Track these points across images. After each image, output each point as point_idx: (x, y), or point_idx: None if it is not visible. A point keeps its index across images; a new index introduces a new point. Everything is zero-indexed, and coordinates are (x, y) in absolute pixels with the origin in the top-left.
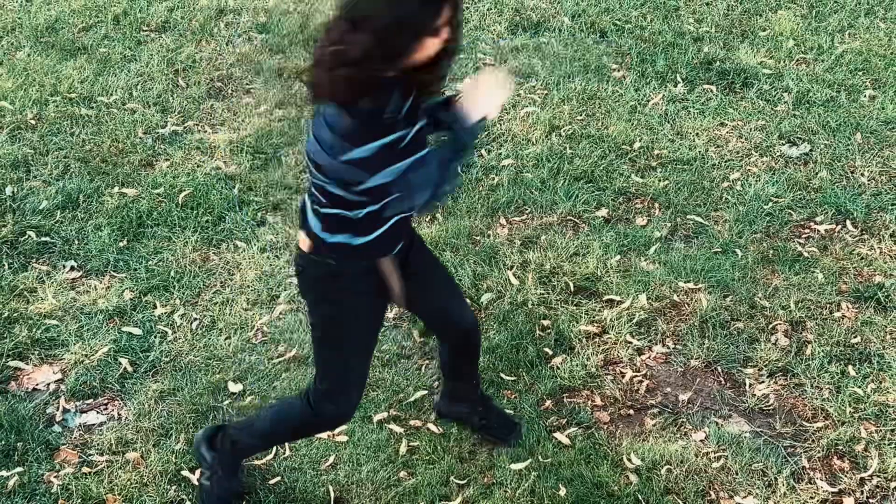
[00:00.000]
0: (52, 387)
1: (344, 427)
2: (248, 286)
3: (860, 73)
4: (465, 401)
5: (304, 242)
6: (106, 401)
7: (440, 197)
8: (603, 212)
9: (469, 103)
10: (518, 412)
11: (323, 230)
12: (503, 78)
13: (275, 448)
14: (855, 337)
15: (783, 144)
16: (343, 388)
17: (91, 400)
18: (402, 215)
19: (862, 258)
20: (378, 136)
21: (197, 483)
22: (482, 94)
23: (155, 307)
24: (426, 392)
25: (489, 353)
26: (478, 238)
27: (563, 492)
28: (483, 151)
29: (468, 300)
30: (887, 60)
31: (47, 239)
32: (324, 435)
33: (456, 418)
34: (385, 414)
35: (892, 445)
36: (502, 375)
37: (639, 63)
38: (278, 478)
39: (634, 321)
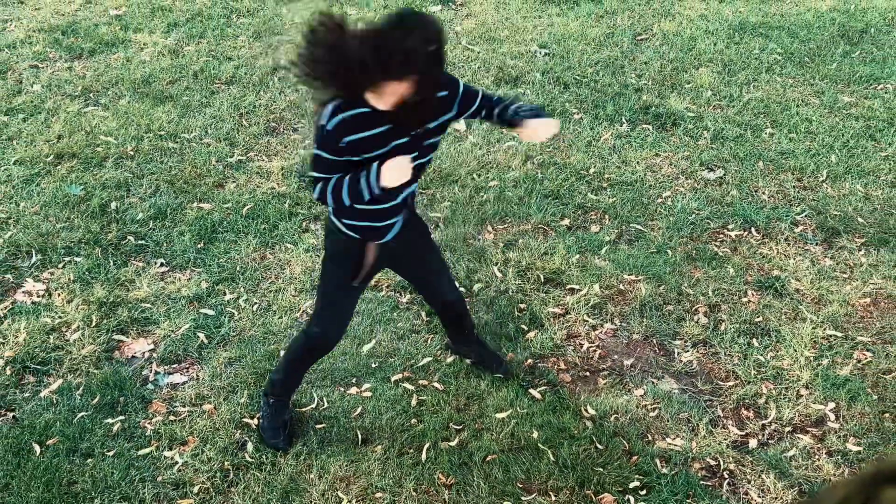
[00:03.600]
0: (147, 354)
1: (368, 385)
2: (296, 278)
3: (762, 116)
4: (465, 344)
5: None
6: (188, 365)
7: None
8: (566, 221)
9: (530, 131)
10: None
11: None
12: (554, 125)
13: (316, 400)
14: (758, 317)
15: (703, 170)
16: (328, 320)
17: (176, 364)
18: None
19: (763, 257)
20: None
21: (257, 424)
22: (539, 129)
23: (225, 294)
24: (431, 359)
25: (480, 328)
26: (470, 241)
27: (535, 434)
28: (474, 175)
29: (463, 288)
30: (783, 106)
31: (143, 242)
32: (353, 391)
33: (462, 353)
34: (400, 375)
35: (786, 399)
36: None
37: (593, 108)
38: (322, 424)
39: (590, 305)
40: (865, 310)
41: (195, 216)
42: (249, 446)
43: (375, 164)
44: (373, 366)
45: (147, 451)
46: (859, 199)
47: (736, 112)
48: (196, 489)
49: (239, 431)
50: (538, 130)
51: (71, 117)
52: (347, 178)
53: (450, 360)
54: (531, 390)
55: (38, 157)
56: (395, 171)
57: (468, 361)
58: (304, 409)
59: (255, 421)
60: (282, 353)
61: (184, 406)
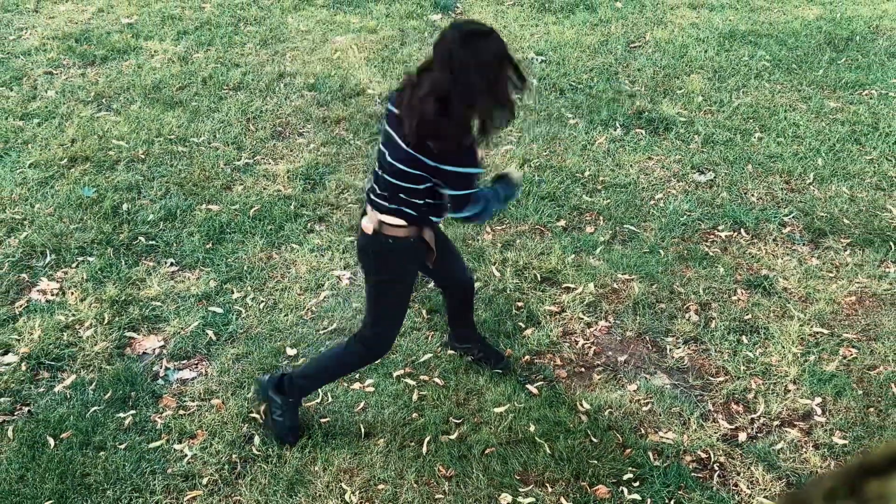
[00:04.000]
0: (157, 351)
1: (371, 381)
2: (301, 277)
3: (751, 121)
4: (468, 341)
5: (368, 227)
6: (197, 361)
7: (486, 218)
8: (562, 222)
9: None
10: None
11: (390, 217)
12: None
13: (321, 395)
14: (747, 314)
15: (694, 173)
16: (389, 331)
17: (186, 360)
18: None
19: (752, 256)
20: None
21: (266, 419)
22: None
23: (232, 292)
24: (432, 355)
25: (479, 326)
26: (470, 241)
27: (532, 428)
28: None
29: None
30: (771, 111)
31: (153, 242)
32: (356, 386)
33: (462, 351)
34: (402, 371)
35: (774, 394)
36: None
37: (588, 113)
38: (327, 418)
39: (585, 303)
40: (851, 308)
41: (204, 217)
42: (256, 440)
43: (509, 175)
44: (375, 362)
45: (157, 444)
46: (845, 201)
47: (726, 117)
48: (205, 481)
49: (246, 425)
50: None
51: (84, 122)
52: (497, 187)
53: (450, 356)
54: (528, 385)
55: (53, 161)
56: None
57: (469, 358)
58: (309, 404)
59: (261, 417)
60: (291, 349)
61: (193, 401)
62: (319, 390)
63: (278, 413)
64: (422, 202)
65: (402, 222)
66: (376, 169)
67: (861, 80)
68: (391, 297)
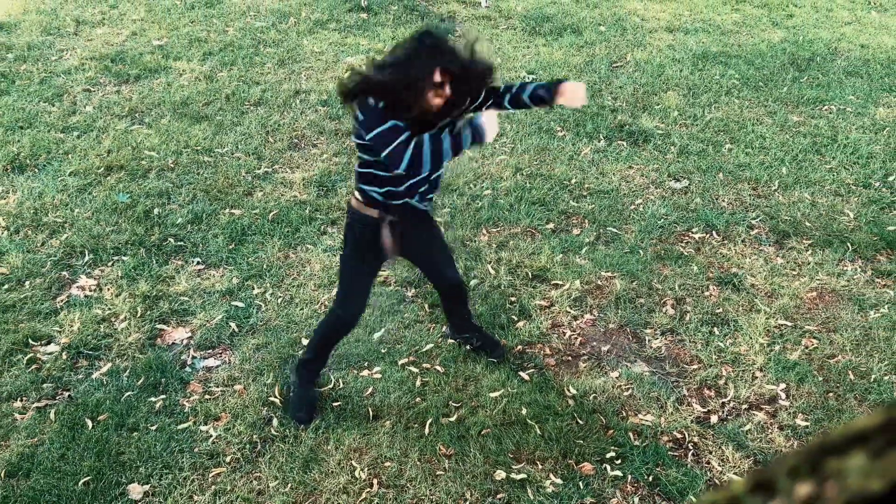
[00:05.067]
0: (185, 341)
1: (378, 368)
2: (315, 275)
3: (722, 133)
4: (465, 331)
5: (354, 200)
6: (221, 351)
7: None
8: (551, 225)
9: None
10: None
11: (359, 183)
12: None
13: (333, 381)
14: (718, 309)
15: (670, 180)
16: (343, 305)
17: (211, 350)
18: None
19: (723, 256)
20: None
21: (282, 401)
22: (573, 92)
23: (253, 289)
24: (433, 345)
25: (476, 318)
26: (468, 243)
27: (524, 411)
28: (471, 184)
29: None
30: (740, 124)
31: (181, 243)
32: (365, 373)
33: (461, 341)
34: (406, 359)
35: (743, 381)
36: None
37: (574, 126)
38: (338, 402)
39: (572, 298)
40: (812, 302)
41: (227, 221)
42: (275, 422)
43: (478, 117)
44: (382, 351)
45: (185, 425)
46: (807, 206)
47: (699, 130)
48: (228, 459)
49: (266, 408)
50: (575, 94)
51: (119, 134)
52: (447, 135)
53: (450, 345)
54: (521, 373)
55: (91, 170)
56: (492, 125)
57: (468, 348)
58: (322, 389)
59: (280, 401)
60: (306, 340)
61: (217, 386)
62: (332, 378)
63: (293, 390)
64: (386, 175)
65: (364, 198)
66: None
67: (821, 96)
68: (349, 269)
